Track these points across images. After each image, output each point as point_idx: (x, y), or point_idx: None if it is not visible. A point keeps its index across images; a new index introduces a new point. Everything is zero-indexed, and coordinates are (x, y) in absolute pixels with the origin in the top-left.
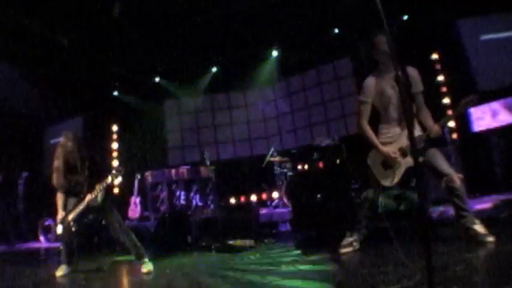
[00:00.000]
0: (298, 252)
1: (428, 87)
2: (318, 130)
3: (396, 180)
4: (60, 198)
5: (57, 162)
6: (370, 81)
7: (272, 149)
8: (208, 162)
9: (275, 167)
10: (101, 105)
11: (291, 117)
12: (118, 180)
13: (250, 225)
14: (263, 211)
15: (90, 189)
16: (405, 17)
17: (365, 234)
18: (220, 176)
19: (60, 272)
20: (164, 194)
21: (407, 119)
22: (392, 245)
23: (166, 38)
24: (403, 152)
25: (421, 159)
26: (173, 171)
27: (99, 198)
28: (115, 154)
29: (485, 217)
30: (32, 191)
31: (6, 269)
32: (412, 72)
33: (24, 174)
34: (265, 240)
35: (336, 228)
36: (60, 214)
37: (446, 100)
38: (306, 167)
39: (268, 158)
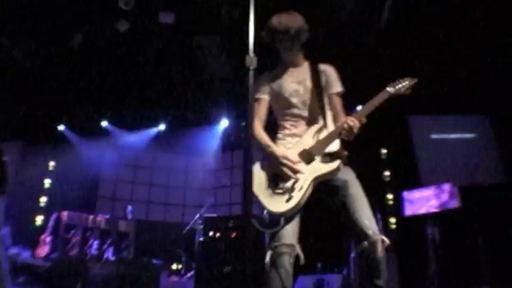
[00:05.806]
0: None
1: (374, 182)
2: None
3: (295, 202)
4: None
5: None
6: (263, 77)
7: (197, 216)
8: (130, 217)
9: (197, 236)
10: (44, 136)
11: (229, 190)
12: None
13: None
14: (173, 279)
15: None
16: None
17: None
18: (142, 235)
19: None
20: (77, 239)
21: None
22: None
23: (121, 83)
24: (308, 156)
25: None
26: (91, 217)
27: None
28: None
29: None
30: None
31: None
32: (328, 69)
33: None
34: None
35: None
36: None
37: (389, 196)
38: (217, 235)
39: (191, 225)
